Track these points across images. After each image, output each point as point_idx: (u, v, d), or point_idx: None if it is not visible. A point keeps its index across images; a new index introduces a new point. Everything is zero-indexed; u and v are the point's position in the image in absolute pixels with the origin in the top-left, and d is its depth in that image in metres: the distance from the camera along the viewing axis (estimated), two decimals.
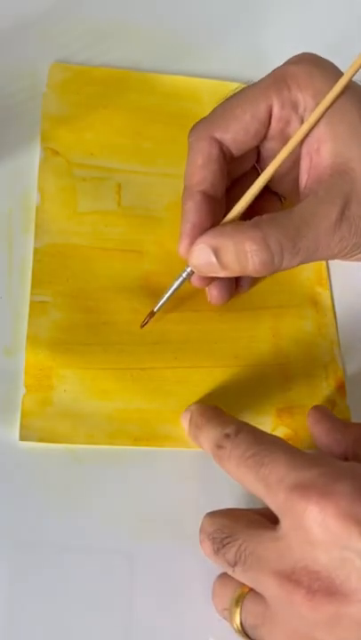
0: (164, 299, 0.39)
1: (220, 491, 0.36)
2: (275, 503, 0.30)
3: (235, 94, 0.38)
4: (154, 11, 0.44)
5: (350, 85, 0.36)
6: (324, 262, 0.44)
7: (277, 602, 0.29)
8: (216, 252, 0.35)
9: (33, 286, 0.41)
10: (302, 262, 0.36)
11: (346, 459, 0.36)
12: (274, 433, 0.38)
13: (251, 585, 0.31)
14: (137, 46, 0.50)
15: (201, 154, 0.37)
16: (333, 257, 0.37)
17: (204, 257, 0.36)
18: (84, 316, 0.40)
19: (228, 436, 0.32)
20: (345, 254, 0.37)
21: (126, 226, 0.44)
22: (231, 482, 0.32)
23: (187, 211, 0.37)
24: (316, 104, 0.36)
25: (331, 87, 0.36)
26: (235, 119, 0.37)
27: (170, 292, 0.39)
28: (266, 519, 0.31)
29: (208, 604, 0.33)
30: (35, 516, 0.35)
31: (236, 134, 0.37)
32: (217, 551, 0.31)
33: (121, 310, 0.41)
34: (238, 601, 0.31)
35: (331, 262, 0.45)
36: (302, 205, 0.35)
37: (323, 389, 0.40)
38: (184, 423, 0.37)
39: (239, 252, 0.35)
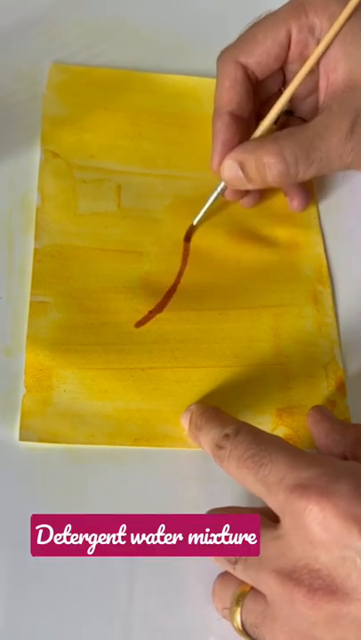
0: (202, 212, 0.43)
1: (220, 490, 0.36)
2: (275, 503, 0.30)
3: (256, 22, 0.42)
4: (153, 11, 0.44)
5: None
6: (324, 261, 0.45)
7: (278, 600, 0.29)
8: (242, 167, 0.39)
9: (33, 287, 0.41)
10: (318, 173, 0.39)
11: (345, 459, 0.36)
12: (274, 433, 0.38)
13: (251, 583, 0.31)
14: (136, 46, 0.50)
15: (228, 77, 0.41)
16: (347, 167, 0.40)
17: (232, 171, 0.40)
18: (84, 316, 0.40)
19: (227, 436, 0.32)
20: (358, 165, 0.39)
21: (126, 227, 0.44)
22: (231, 482, 0.32)
23: (217, 130, 0.41)
24: (331, 26, 0.39)
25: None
26: (257, 44, 0.41)
27: (208, 204, 0.43)
28: (266, 517, 0.31)
29: (208, 604, 0.33)
30: None
31: (259, 57, 0.41)
32: None
33: (121, 310, 0.41)
34: (239, 600, 0.31)
35: (331, 262, 0.45)
36: (317, 119, 0.39)
37: (323, 389, 0.40)
38: (184, 423, 0.37)
39: (259, 165, 0.39)
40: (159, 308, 0.41)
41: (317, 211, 0.47)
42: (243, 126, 0.41)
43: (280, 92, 0.42)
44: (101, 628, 0.33)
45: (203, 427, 0.35)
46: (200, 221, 0.44)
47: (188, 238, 0.44)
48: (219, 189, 0.43)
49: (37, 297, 0.40)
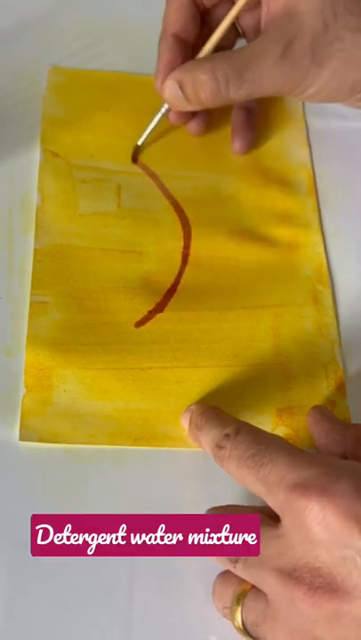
0: (146, 133, 0.46)
1: (220, 490, 0.36)
2: (275, 503, 0.30)
3: None
4: (152, 12, 0.44)
5: None
6: (324, 261, 0.45)
7: (279, 599, 0.29)
8: (180, 86, 0.40)
9: (33, 287, 0.41)
10: (250, 95, 0.40)
11: (345, 459, 0.36)
12: (274, 433, 0.38)
13: (252, 582, 0.31)
14: (136, 47, 0.50)
15: (173, 1, 0.43)
16: (278, 91, 0.40)
17: (172, 91, 0.41)
18: (84, 316, 0.40)
19: (227, 436, 0.32)
20: (289, 89, 0.40)
21: (126, 227, 0.44)
22: (231, 481, 0.32)
23: (161, 51, 0.43)
24: None
25: None
26: None
27: (152, 124, 0.45)
28: (267, 516, 0.31)
29: (208, 603, 0.33)
30: None
31: None
32: None
33: (121, 310, 0.41)
34: (239, 599, 0.31)
35: (331, 261, 0.45)
36: (253, 43, 0.40)
37: (323, 389, 0.40)
38: (184, 423, 0.37)
39: (195, 83, 0.40)
40: (159, 307, 0.41)
41: (318, 210, 0.47)
42: (187, 49, 0.43)
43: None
44: (102, 628, 0.33)
45: (203, 426, 0.35)
46: (144, 143, 0.46)
47: (134, 159, 0.46)
48: (163, 110, 0.44)
49: (37, 297, 0.40)
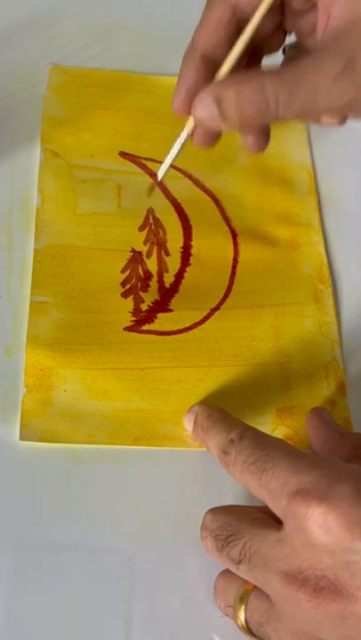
0: (167, 164, 0.38)
1: (221, 490, 0.36)
2: (278, 508, 0.30)
3: None
4: (152, 12, 0.44)
5: None
6: (325, 260, 0.45)
7: (283, 600, 0.29)
8: (218, 103, 0.35)
9: (33, 287, 0.41)
10: (302, 115, 0.36)
11: None
12: (274, 433, 0.38)
13: (255, 583, 0.30)
14: (136, 48, 0.50)
15: (214, 14, 0.37)
16: (335, 110, 0.36)
17: (207, 108, 0.35)
18: (84, 315, 0.40)
19: (232, 441, 0.32)
20: (348, 108, 0.36)
21: (126, 227, 0.44)
22: (231, 481, 0.32)
23: (184, 70, 0.37)
24: None
25: None
26: None
27: (172, 154, 0.38)
28: (269, 517, 0.31)
29: (210, 602, 0.33)
30: (35, 515, 0.35)
31: None
32: (221, 549, 0.31)
33: (121, 310, 0.41)
34: (243, 598, 0.31)
35: (332, 260, 0.45)
36: (308, 58, 0.35)
37: (323, 389, 0.40)
38: (187, 424, 0.37)
39: (239, 100, 0.35)
40: (159, 307, 0.41)
41: (318, 210, 0.47)
42: (213, 70, 0.37)
43: (281, 32, 0.39)
44: (102, 628, 0.33)
45: (209, 430, 0.35)
46: (164, 175, 0.39)
47: (149, 193, 0.41)
48: (184, 135, 0.37)
49: (37, 297, 0.40)
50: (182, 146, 0.38)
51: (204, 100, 0.35)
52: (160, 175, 0.39)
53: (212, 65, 0.37)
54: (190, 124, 0.37)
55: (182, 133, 0.38)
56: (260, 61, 0.39)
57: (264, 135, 0.40)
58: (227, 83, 0.36)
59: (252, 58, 0.39)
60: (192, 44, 0.38)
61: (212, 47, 0.37)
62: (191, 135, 0.38)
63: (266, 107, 0.35)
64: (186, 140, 0.38)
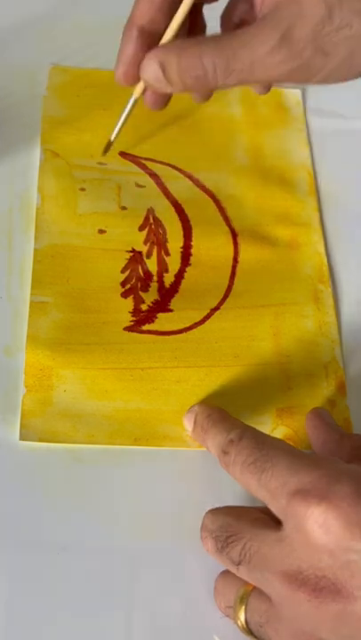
0: (119, 125, 0.43)
1: (221, 490, 0.36)
2: (278, 508, 0.30)
3: None
4: None
5: None
6: (325, 260, 0.45)
7: (283, 601, 0.29)
8: (163, 68, 0.36)
9: (33, 287, 0.41)
10: (241, 83, 0.36)
11: None
12: (274, 433, 0.38)
13: (255, 584, 0.30)
14: None
15: None
16: (273, 80, 0.37)
17: (153, 72, 0.36)
18: (84, 315, 0.40)
19: (232, 442, 0.32)
20: (288, 79, 0.36)
21: (126, 227, 0.44)
22: (231, 481, 0.32)
23: (123, 44, 0.38)
24: None
25: None
26: None
27: (123, 116, 0.42)
28: (268, 517, 0.31)
29: (210, 603, 0.33)
30: (35, 516, 0.35)
31: None
32: (221, 549, 0.31)
33: (121, 310, 0.41)
34: (243, 599, 0.31)
35: (332, 260, 0.45)
36: (246, 29, 0.36)
37: (323, 389, 0.40)
38: (187, 424, 0.37)
39: (180, 68, 0.36)
40: (159, 307, 0.41)
41: (318, 210, 0.47)
42: (151, 42, 0.38)
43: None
44: (102, 628, 0.33)
45: (209, 430, 0.35)
46: (116, 136, 0.43)
47: (105, 153, 0.45)
48: (133, 99, 0.41)
49: (37, 297, 0.40)
50: (132, 106, 0.41)
51: (150, 63, 0.37)
52: (112, 136, 0.43)
53: (149, 37, 0.38)
54: (141, 85, 0.39)
55: (133, 95, 0.41)
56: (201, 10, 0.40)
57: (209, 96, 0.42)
58: (170, 48, 0.37)
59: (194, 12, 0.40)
60: (130, 18, 0.38)
61: (149, 20, 0.38)
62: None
63: (204, 75, 0.36)
64: (136, 101, 0.41)
